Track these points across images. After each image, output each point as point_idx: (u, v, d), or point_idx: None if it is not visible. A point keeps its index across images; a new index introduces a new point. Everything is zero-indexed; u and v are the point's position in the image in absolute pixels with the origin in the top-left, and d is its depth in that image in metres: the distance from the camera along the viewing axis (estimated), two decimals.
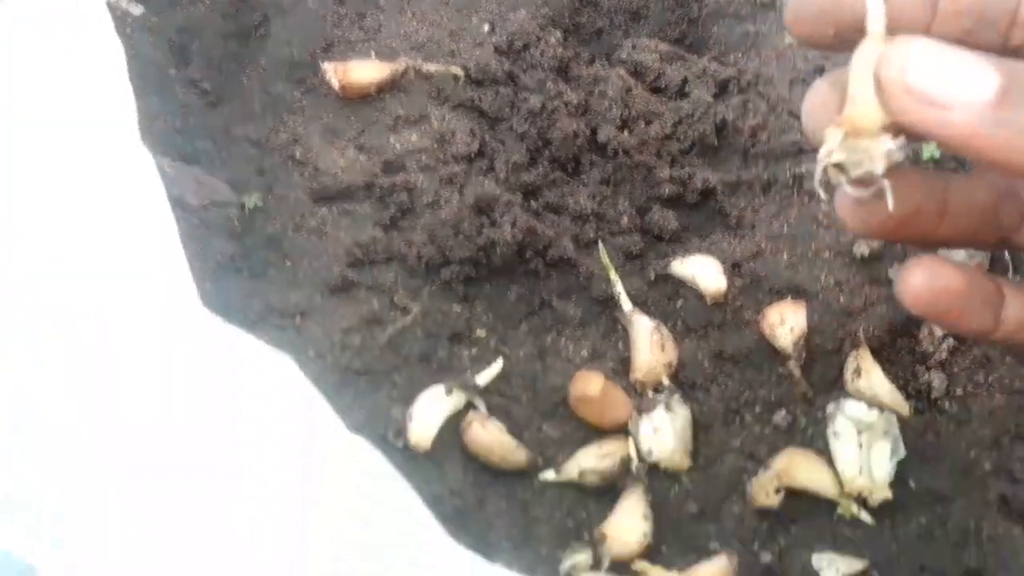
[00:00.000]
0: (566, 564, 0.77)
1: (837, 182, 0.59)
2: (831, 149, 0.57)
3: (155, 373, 0.56)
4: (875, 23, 0.57)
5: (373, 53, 1.08)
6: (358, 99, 1.05)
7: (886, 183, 0.57)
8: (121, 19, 1.07)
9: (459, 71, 1.06)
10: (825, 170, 0.58)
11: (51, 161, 0.69)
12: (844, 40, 0.60)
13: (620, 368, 0.91)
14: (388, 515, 0.58)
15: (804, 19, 0.61)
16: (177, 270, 0.71)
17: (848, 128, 0.57)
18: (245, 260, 0.90)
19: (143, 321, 0.59)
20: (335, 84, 1.03)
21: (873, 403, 0.88)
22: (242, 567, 0.49)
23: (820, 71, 1.14)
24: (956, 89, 0.52)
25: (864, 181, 0.57)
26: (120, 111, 0.79)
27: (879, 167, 0.57)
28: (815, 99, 0.63)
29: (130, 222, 0.66)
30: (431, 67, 1.06)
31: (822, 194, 0.60)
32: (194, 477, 0.54)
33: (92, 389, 0.57)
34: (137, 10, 1.09)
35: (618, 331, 0.94)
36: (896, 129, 0.56)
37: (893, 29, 0.57)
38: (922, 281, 0.63)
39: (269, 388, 0.55)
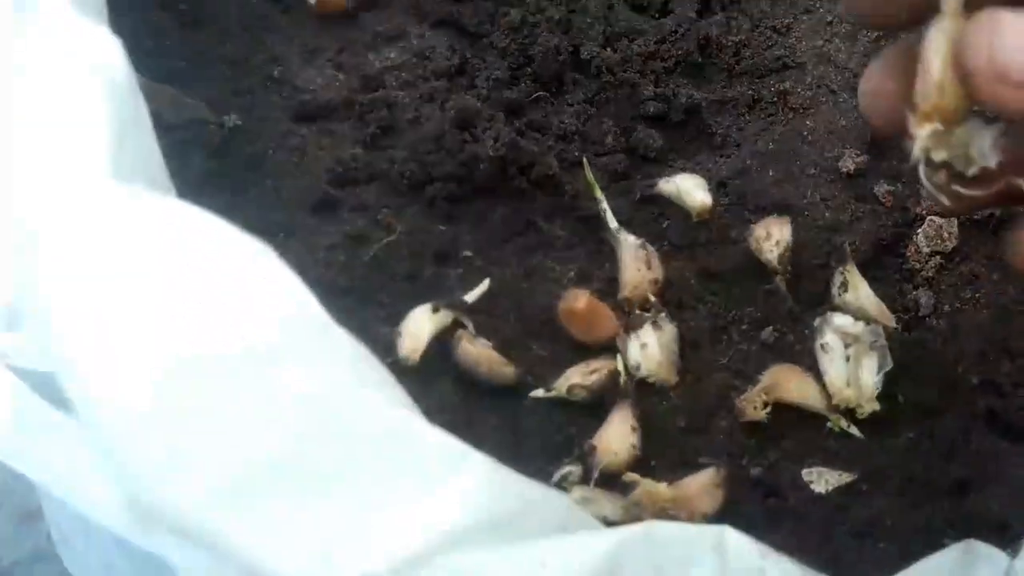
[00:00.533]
0: (557, 477, 0.77)
1: (939, 182, 0.55)
2: (927, 146, 0.53)
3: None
4: None
5: None
6: (336, 17, 1.03)
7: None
8: None
9: None
10: (928, 168, 0.55)
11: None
12: (910, 17, 0.55)
13: (608, 289, 0.90)
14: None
15: None
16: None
17: (939, 120, 0.52)
18: (225, 178, 0.88)
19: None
20: (311, 0, 1.00)
21: (860, 316, 0.87)
22: None
23: None
24: None
25: (982, 179, 0.54)
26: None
27: (992, 160, 0.53)
28: (872, 87, 0.58)
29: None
30: None
31: (930, 188, 0.56)
32: None
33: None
34: None
35: (604, 252, 0.93)
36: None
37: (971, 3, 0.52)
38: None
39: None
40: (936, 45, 0.52)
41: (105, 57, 0.57)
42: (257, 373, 0.49)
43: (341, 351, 0.52)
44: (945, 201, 0.58)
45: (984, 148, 0.53)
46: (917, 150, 0.55)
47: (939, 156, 0.54)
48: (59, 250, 0.52)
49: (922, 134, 0.54)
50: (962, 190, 0.54)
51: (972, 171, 0.53)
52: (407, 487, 0.48)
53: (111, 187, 0.51)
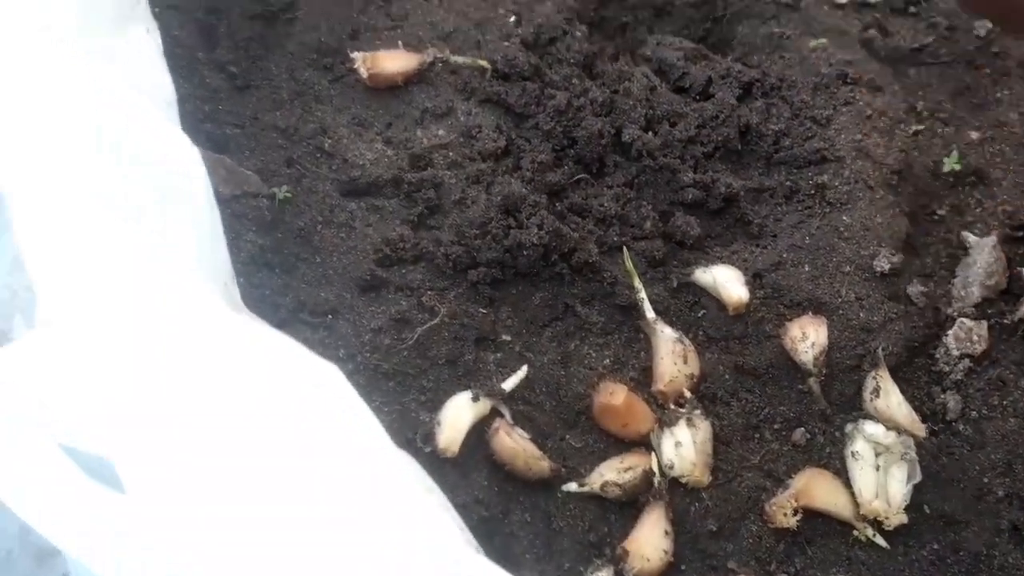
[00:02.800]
0: None
1: None
2: None
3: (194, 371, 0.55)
4: None
5: (400, 42, 1.07)
6: (385, 89, 1.04)
7: None
8: None
9: (486, 64, 1.05)
10: None
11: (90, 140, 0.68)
12: None
13: (642, 378, 0.92)
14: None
15: None
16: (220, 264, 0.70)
17: None
18: (276, 254, 0.89)
19: (184, 317, 0.58)
20: (363, 73, 1.02)
21: (891, 424, 0.88)
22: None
23: (843, 77, 1.14)
24: None
25: None
26: (160, 94, 0.78)
27: None
28: None
29: (178, 218, 0.65)
30: (459, 59, 1.05)
31: None
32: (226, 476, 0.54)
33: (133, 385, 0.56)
34: None
35: (640, 339, 0.94)
36: None
37: None
38: None
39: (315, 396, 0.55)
40: None
41: (188, 169, 0.58)
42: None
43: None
44: None
45: None
46: None
47: None
48: (130, 356, 0.53)
49: None
50: None
51: None
52: None
53: (195, 304, 0.52)
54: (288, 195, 0.93)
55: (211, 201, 0.64)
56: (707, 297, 0.98)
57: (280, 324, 0.83)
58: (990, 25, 1.23)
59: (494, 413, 0.84)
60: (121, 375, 0.54)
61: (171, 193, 0.57)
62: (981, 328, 0.98)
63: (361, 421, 0.54)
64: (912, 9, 1.27)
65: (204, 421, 0.53)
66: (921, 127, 1.15)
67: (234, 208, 0.88)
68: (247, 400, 0.52)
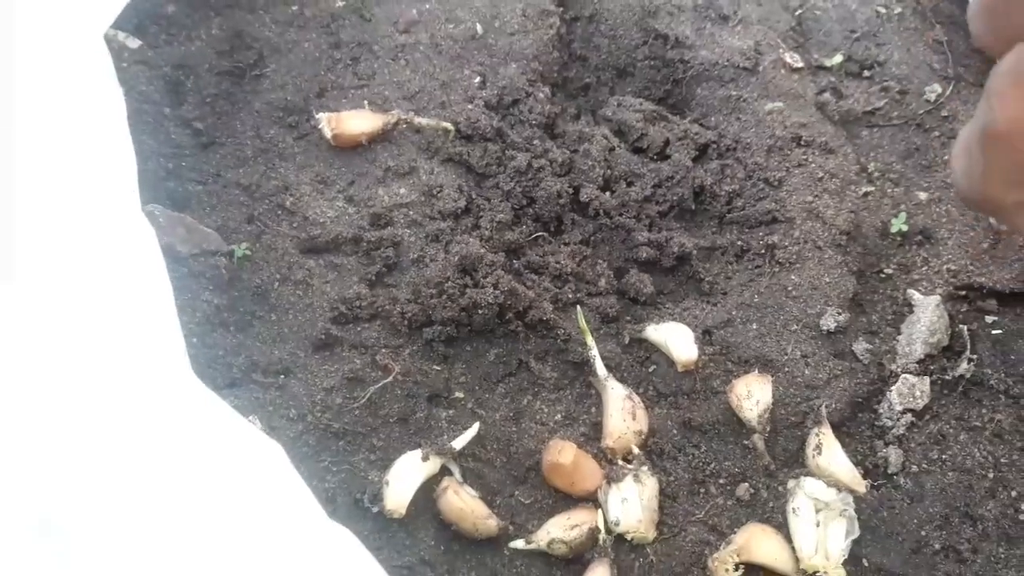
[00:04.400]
0: None
1: None
2: None
3: (142, 441, 0.57)
4: None
5: (366, 102, 1.10)
6: (349, 148, 1.07)
7: None
8: (118, 53, 1.08)
9: (450, 126, 1.08)
10: None
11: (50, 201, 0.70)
12: None
13: (592, 433, 0.94)
14: None
15: None
16: (168, 327, 0.72)
17: None
18: (231, 312, 0.91)
19: (133, 385, 0.60)
20: (328, 134, 1.05)
21: (831, 481, 0.91)
22: None
23: (797, 139, 1.18)
24: None
25: None
26: (118, 160, 0.80)
27: None
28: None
29: (125, 275, 0.67)
30: (422, 120, 1.08)
31: None
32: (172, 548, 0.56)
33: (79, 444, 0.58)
34: (134, 44, 1.11)
35: (592, 395, 0.97)
36: None
37: None
38: None
39: (254, 470, 0.57)
40: None
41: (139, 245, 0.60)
42: None
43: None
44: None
45: None
46: None
47: None
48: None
49: None
50: None
51: None
52: None
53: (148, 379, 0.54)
54: (247, 252, 0.96)
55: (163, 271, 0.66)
56: (658, 353, 1.01)
57: (232, 384, 0.85)
58: (939, 89, 1.27)
59: (444, 471, 0.87)
60: (65, 434, 0.56)
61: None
62: (924, 384, 1.01)
63: (298, 496, 0.55)
64: (866, 73, 1.31)
65: (143, 486, 0.55)
66: (871, 188, 1.18)
67: (191, 267, 0.90)
68: (188, 471, 0.54)
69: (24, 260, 0.61)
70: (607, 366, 0.97)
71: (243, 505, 0.52)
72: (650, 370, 1.00)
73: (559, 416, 0.95)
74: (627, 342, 1.01)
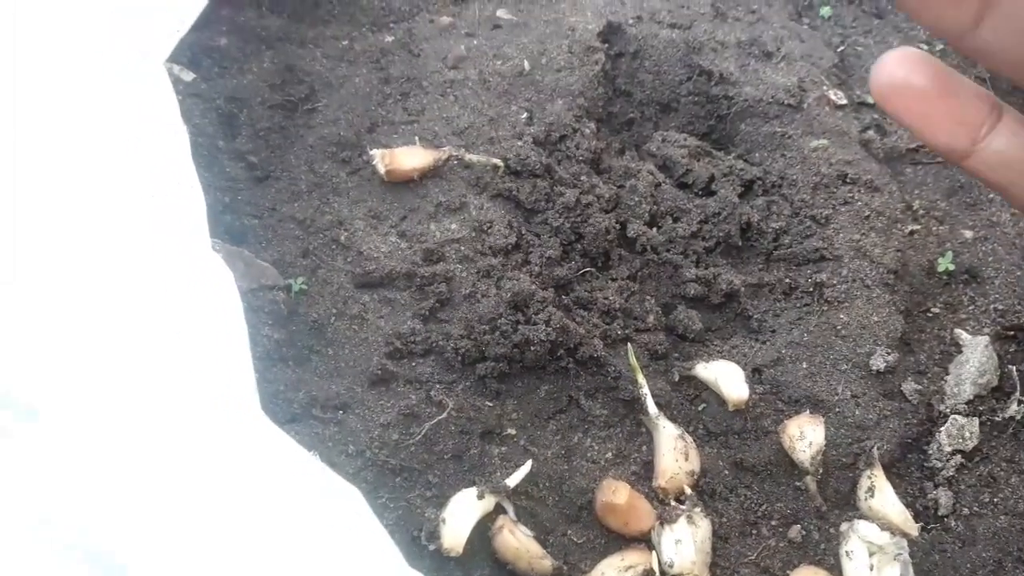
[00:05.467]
0: None
1: None
2: None
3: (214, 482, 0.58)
4: None
5: (416, 138, 1.11)
6: (401, 183, 1.08)
7: None
8: (174, 85, 1.09)
9: (499, 162, 1.09)
10: None
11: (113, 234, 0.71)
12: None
13: (643, 472, 0.94)
14: None
15: None
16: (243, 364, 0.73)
17: None
18: (290, 347, 0.92)
19: (208, 424, 0.61)
20: (381, 169, 1.05)
21: (884, 524, 0.91)
22: None
23: (843, 177, 1.18)
24: None
25: None
26: (188, 195, 0.81)
27: None
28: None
29: (201, 316, 0.68)
30: (472, 157, 1.09)
31: None
32: None
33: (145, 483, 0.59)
34: (188, 76, 1.12)
35: (642, 433, 0.97)
36: None
37: None
38: (888, 70, 0.54)
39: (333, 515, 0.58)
40: None
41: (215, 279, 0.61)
42: None
43: None
44: None
45: None
46: None
47: None
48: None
49: None
50: None
51: None
52: None
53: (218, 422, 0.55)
54: (304, 287, 0.96)
55: (241, 320, 0.67)
56: (708, 391, 1.01)
57: (292, 419, 0.85)
58: None
59: (498, 509, 0.87)
60: (136, 472, 0.57)
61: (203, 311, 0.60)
62: (973, 425, 1.01)
63: (378, 543, 0.56)
64: None
65: (221, 533, 0.56)
66: (917, 226, 1.18)
67: (251, 302, 0.91)
68: (267, 515, 0.55)
69: (107, 293, 0.62)
70: (657, 404, 0.97)
71: (329, 552, 0.53)
72: (700, 408, 1.00)
73: (610, 454, 0.95)
74: (676, 380, 1.01)
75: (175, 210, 0.70)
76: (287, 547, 0.52)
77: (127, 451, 0.58)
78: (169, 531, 0.56)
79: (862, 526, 0.90)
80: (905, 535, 0.90)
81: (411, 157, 1.06)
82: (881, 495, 0.92)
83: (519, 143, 1.11)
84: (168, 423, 0.55)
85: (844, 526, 0.91)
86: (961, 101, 0.57)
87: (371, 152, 1.06)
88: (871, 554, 0.89)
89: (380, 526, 0.56)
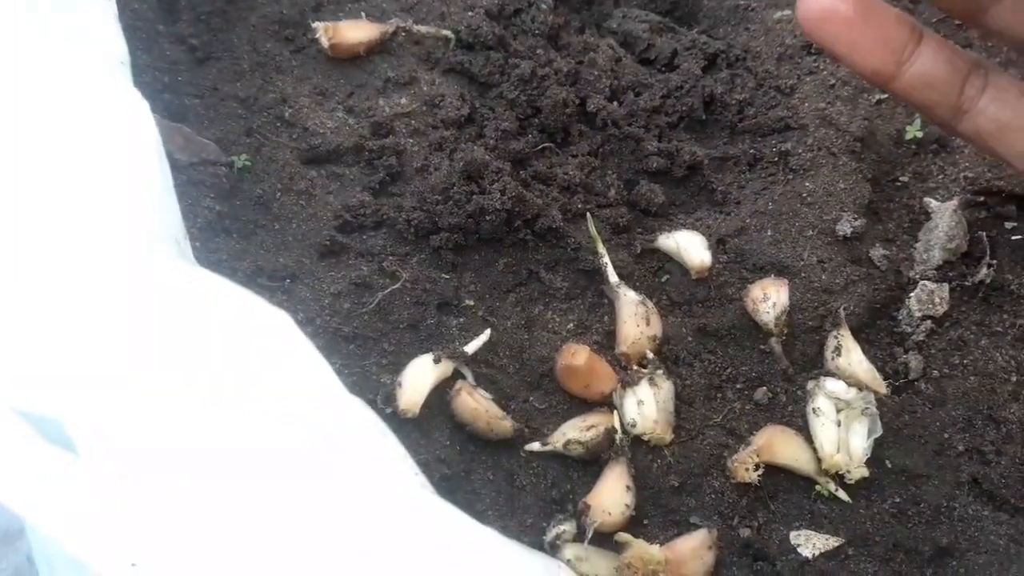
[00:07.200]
0: (551, 534, 0.78)
1: None
2: None
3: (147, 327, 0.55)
4: None
5: (363, 14, 1.07)
6: (347, 60, 1.04)
7: None
8: None
9: (450, 34, 1.05)
10: None
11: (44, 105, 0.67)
12: None
13: (605, 342, 0.92)
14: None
15: None
16: (171, 224, 0.70)
17: None
18: (234, 220, 0.89)
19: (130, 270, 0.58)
20: (325, 43, 1.02)
21: (852, 381, 0.89)
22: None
23: (808, 47, 1.15)
24: None
25: None
26: (112, 59, 0.77)
27: None
28: None
29: (125, 173, 0.64)
30: (422, 29, 1.05)
31: None
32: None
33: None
34: None
35: (604, 304, 0.95)
36: None
37: None
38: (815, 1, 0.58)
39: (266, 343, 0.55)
40: None
41: (134, 122, 0.58)
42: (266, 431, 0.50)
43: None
44: None
45: None
46: None
47: None
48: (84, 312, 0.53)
49: None
50: None
51: None
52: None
53: (138, 256, 0.52)
54: (247, 163, 0.93)
55: (162, 158, 0.63)
56: (671, 263, 0.99)
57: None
58: None
59: (456, 375, 0.85)
60: (66, 328, 0.54)
61: (116, 146, 0.56)
62: (943, 290, 0.99)
63: (313, 366, 0.53)
64: None
65: (155, 372, 0.53)
66: (884, 96, 1.15)
67: (191, 175, 0.88)
68: (200, 347, 0.52)
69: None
70: (619, 275, 0.94)
71: (261, 371, 0.50)
72: (663, 280, 0.98)
73: (571, 325, 0.93)
74: (639, 252, 0.99)
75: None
76: (214, 371, 0.50)
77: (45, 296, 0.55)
78: (100, 372, 0.54)
79: (829, 383, 0.88)
80: (873, 392, 0.89)
81: (356, 30, 1.02)
82: (848, 354, 0.91)
83: (470, 15, 1.07)
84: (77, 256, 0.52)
85: (810, 384, 0.89)
86: (884, 25, 0.57)
87: (314, 26, 1.02)
88: (839, 410, 0.87)
89: (311, 346, 0.54)
